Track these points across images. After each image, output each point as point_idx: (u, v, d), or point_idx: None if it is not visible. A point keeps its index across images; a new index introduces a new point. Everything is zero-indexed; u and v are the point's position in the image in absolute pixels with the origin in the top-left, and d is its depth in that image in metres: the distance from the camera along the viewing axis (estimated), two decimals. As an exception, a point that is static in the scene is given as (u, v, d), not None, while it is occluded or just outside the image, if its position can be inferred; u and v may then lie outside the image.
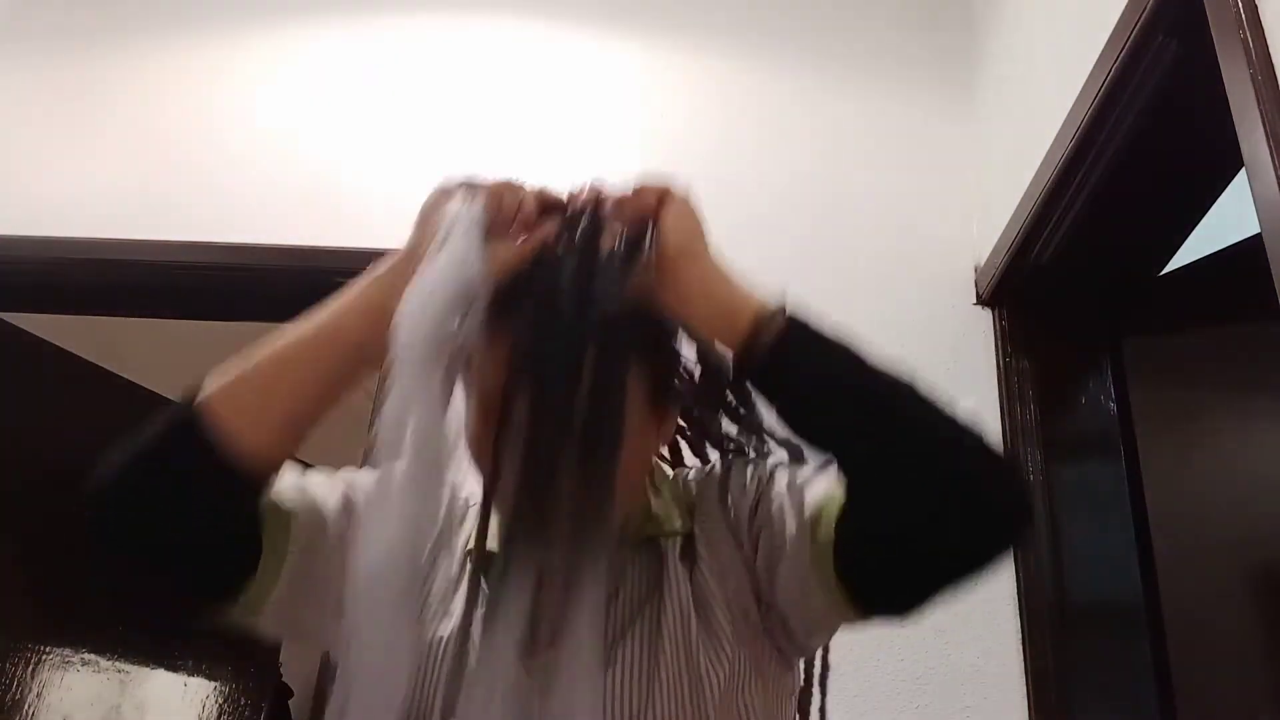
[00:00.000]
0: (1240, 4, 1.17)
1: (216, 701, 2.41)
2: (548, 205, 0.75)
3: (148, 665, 2.28)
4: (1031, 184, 1.70)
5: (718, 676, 0.74)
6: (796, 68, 2.18)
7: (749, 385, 0.76)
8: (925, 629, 1.59)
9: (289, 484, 0.78)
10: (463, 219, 0.72)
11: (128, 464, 0.70)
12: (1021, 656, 1.60)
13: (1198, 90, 1.32)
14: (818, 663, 0.84)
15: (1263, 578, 1.52)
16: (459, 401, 0.75)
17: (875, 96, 2.15)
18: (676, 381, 0.85)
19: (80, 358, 2.34)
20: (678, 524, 0.82)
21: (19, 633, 2.09)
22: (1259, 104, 1.11)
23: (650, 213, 0.73)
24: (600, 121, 2.12)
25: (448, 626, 0.74)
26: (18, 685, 2.06)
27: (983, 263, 1.91)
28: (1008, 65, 1.98)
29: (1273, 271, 1.04)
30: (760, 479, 0.82)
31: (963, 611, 1.58)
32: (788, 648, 0.80)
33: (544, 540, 0.66)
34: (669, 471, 0.91)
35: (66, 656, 2.15)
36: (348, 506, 0.79)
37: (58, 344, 2.31)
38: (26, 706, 2.07)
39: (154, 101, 2.20)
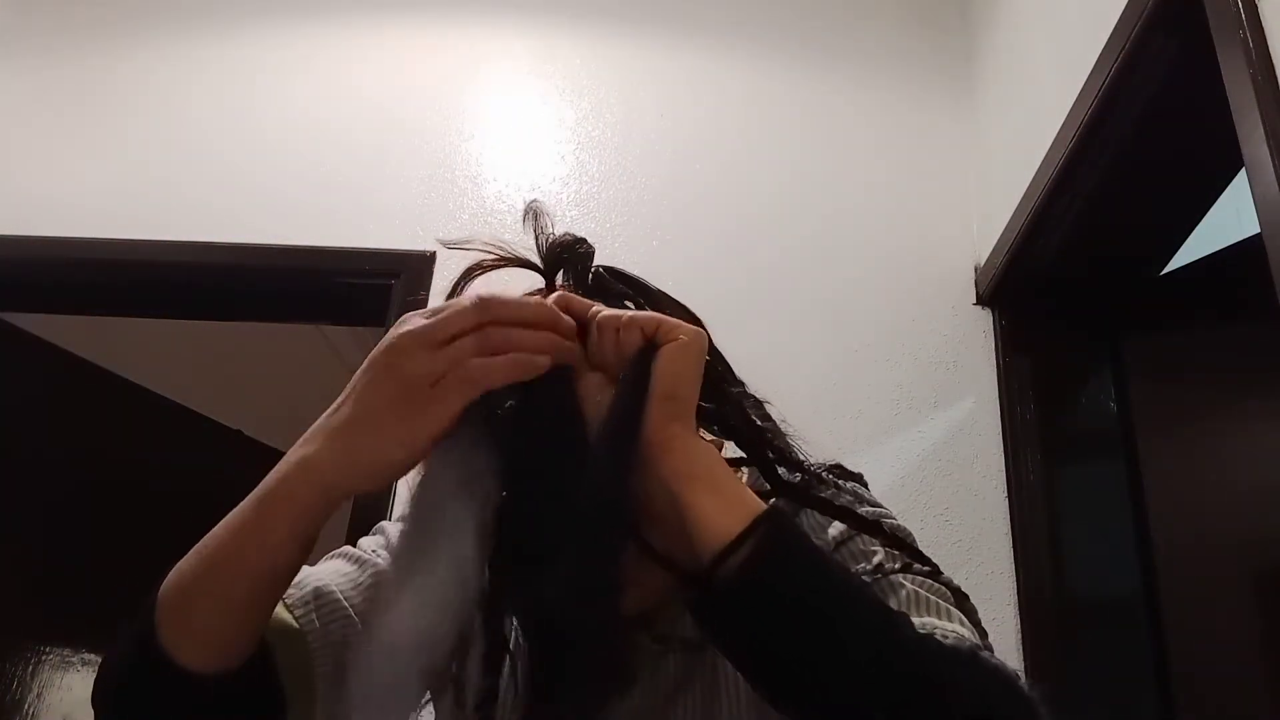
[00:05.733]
0: (1240, 4, 1.17)
1: (216, 701, 2.40)
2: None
3: (148, 665, 2.28)
4: (1031, 184, 1.70)
5: None
6: (796, 67, 2.18)
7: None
8: (925, 629, 1.59)
9: (299, 588, 0.69)
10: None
11: (101, 688, 0.63)
12: (1021, 656, 1.59)
13: (1198, 90, 1.32)
14: None
15: (1263, 577, 1.52)
16: None
17: (875, 96, 2.15)
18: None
19: (80, 358, 2.34)
20: None
21: (19, 633, 2.10)
22: (1259, 104, 1.11)
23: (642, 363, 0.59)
24: (596, 122, 2.12)
25: None
26: (18, 685, 2.06)
27: (983, 263, 1.91)
28: (1008, 65, 1.98)
29: (1273, 271, 1.04)
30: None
31: (963, 611, 1.58)
32: None
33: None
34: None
35: (66, 656, 2.15)
36: (373, 577, 0.72)
37: (58, 344, 2.31)
38: (26, 706, 2.07)
39: (154, 102, 2.20)
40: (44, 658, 2.11)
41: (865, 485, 0.77)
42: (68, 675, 2.14)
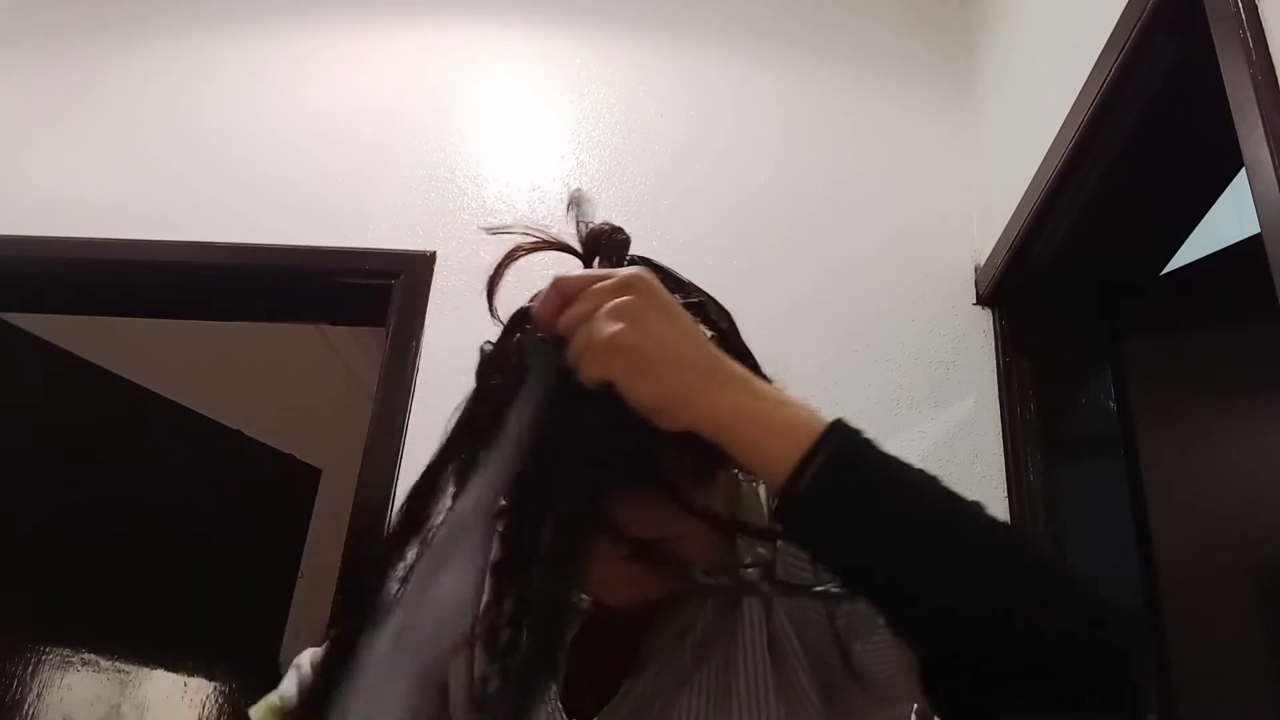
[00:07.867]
0: (1240, 4, 1.17)
1: (216, 701, 2.41)
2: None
3: (148, 665, 2.28)
4: (1031, 183, 1.70)
5: None
6: (795, 67, 2.18)
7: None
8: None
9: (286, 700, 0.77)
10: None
11: None
12: (1021, 656, 1.59)
13: (1198, 90, 1.32)
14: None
15: (1263, 577, 1.52)
16: None
17: (875, 96, 2.15)
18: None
19: (80, 358, 2.34)
20: (760, 552, 0.72)
21: (19, 633, 2.10)
22: (1259, 104, 1.11)
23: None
24: (596, 122, 2.12)
25: None
26: (18, 685, 2.06)
27: (983, 263, 1.91)
28: (1008, 65, 1.98)
29: (1273, 271, 1.04)
30: None
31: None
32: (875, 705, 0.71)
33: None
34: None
35: (66, 656, 2.15)
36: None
37: (58, 344, 2.31)
38: (26, 706, 2.07)
39: (153, 102, 2.20)
40: (44, 658, 2.11)
41: None
42: (68, 675, 2.14)
